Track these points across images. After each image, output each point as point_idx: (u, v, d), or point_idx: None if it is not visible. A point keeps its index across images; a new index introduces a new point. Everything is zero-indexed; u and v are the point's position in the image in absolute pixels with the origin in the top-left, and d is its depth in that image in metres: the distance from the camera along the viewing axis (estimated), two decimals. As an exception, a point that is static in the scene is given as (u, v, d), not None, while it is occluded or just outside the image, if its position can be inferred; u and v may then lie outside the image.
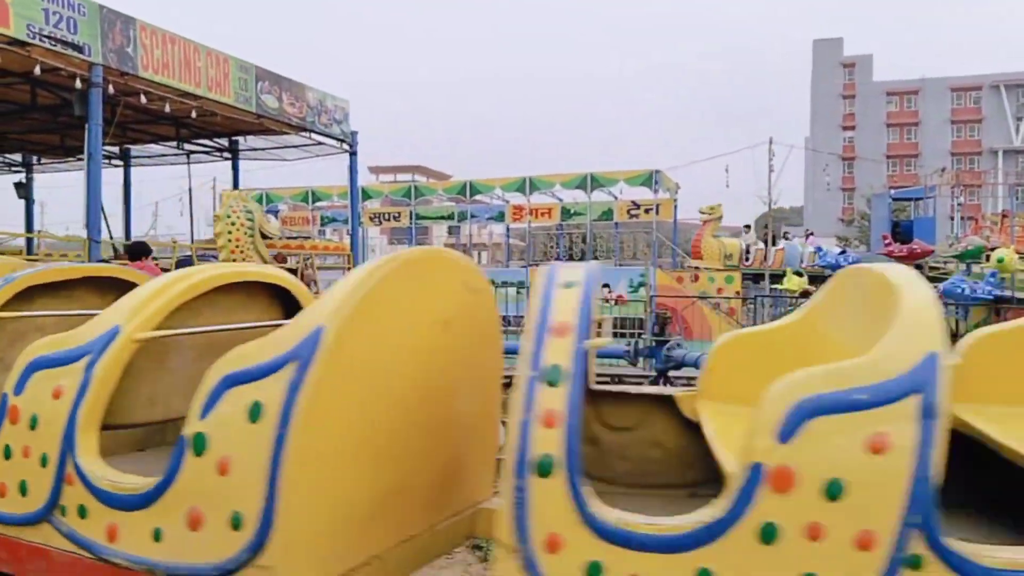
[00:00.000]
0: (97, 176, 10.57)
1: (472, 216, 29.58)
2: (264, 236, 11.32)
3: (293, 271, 14.69)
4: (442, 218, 30.99)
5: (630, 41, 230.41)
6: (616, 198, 27.81)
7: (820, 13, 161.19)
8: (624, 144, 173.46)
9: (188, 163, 17.77)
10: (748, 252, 25.33)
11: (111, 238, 16.68)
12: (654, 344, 8.34)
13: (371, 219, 29.65)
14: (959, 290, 17.08)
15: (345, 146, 15.60)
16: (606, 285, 21.60)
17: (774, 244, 27.34)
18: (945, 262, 23.19)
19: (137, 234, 33.88)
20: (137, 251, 8.30)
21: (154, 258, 16.06)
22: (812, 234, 27.58)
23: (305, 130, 14.39)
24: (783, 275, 19.61)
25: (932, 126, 75.94)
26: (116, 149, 17.38)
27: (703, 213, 26.43)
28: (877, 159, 73.29)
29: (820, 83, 79.67)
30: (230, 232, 10.98)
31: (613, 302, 20.78)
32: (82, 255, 10.88)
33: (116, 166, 18.07)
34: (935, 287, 15.90)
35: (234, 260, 10.72)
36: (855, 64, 78.89)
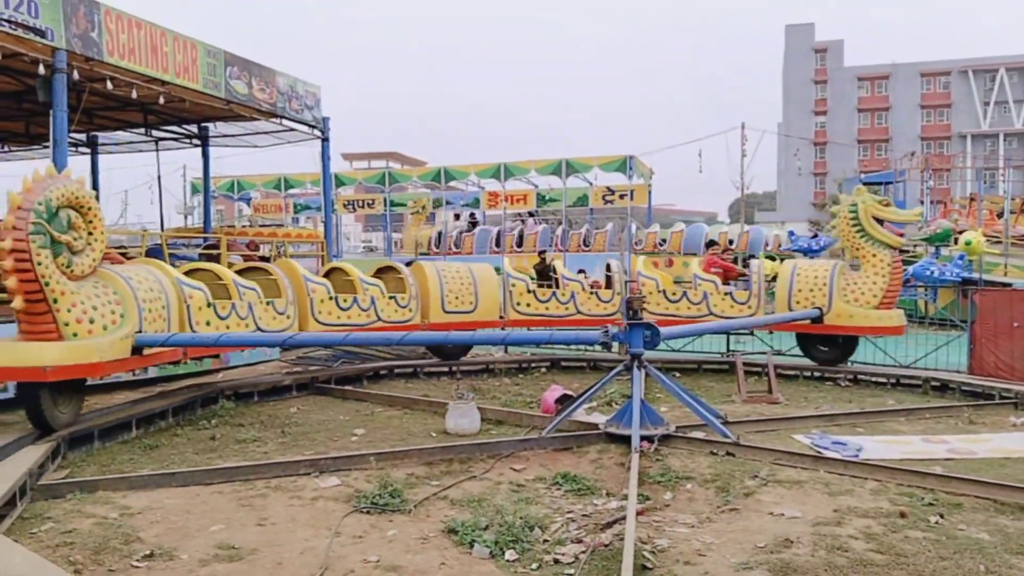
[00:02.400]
0: (63, 164, 10.32)
1: (447, 203, 29.43)
2: (879, 220, 11.34)
3: (266, 259, 14.54)
4: (416, 204, 30.78)
5: (604, 26, 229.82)
6: (591, 184, 27.82)
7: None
8: (599, 129, 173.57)
9: (157, 150, 17.43)
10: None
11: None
12: (629, 328, 8.36)
13: (344, 206, 29.40)
14: (928, 272, 17.35)
15: (317, 132, 15.40)
16: (582, 271, 21.65)
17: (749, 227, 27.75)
18: (915, 245, 23.50)
19: (106, 223, 33.32)
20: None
21: (122, 246, 15.81)
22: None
23: (275, 116, 14.17)
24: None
25: (902, 111, 76.68)
26: (83, 136, 17.03)
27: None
28: (848, 144, 73.94)
29: (792, 68, 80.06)
30: (842, 226, 11.46)
31: (590, 288, 20.84)
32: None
33: (83, 153, 17.70)
34: (905, 270, 16.15)
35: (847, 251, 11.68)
36: (826, 49, 79.33)
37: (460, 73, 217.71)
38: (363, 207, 29.87)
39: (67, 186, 7.42)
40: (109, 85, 11.11)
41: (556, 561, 4.68)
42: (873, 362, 11.95)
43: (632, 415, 7.22)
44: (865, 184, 29.34)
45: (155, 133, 16.67)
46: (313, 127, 15.20)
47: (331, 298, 10.75)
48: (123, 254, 13.39)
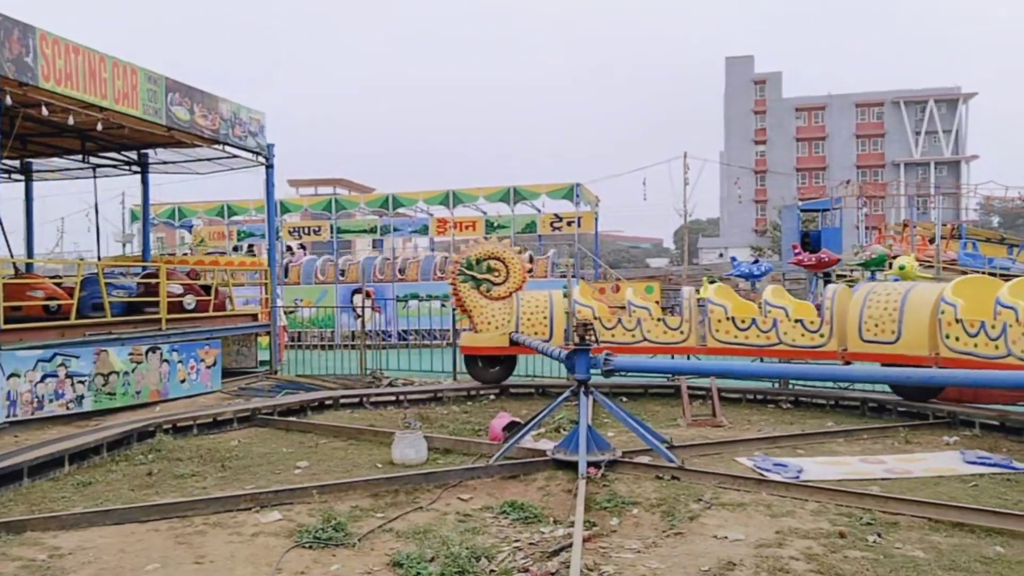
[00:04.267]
0: (-6, 191, 10.03)
1: (395, 229, 29.31)
2: None
3: (207, 288, 14.25)
4: (364, 231, 30.60)
5: (555, 57, 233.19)
6: (539, 211, 28.04)
7: (733, 31, 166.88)
8: (548, 156, 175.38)
9: (94, 177, 17.03)
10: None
11: (11, 255, 15.84)
12: (576, 354, 8.41)
13: (290, 233, 29.06)
14: (864, 296, 17.84)
15: (261, 159, 15.24)
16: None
17: (693, 256, 28.18)
18: (851, 270, 24.21)
19: (40, 251, 32.37)
20: None
21: (57, 276, 15.33)
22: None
23: (218, 143, 13.98)
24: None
25: (838, 140, 79.35)
26: (16, 163, 16.55)
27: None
28: (787, 172, 76.10)
29: (733, 99, 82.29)
30: None
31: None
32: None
33: (17, 180, 17.20)
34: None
35: None
36: (765, 81, 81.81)
37: (408, 99, 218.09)
38: (309, 234, 29.52)
39: (487, 246, 12.79)
40: (44, 111, 10.85)
41: (502, 591, 4.64)
42: (813, 385, 12.21)
43: (579, 441, 7.24)
44: (803, 211, 30.25)
45: (93, 160, 16.30)
46: (257, 153, 15.05)
47: (728, 318, 11.68)
48: (58, 284, 13.01)
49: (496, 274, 12.55)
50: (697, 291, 14.61)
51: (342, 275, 26.66)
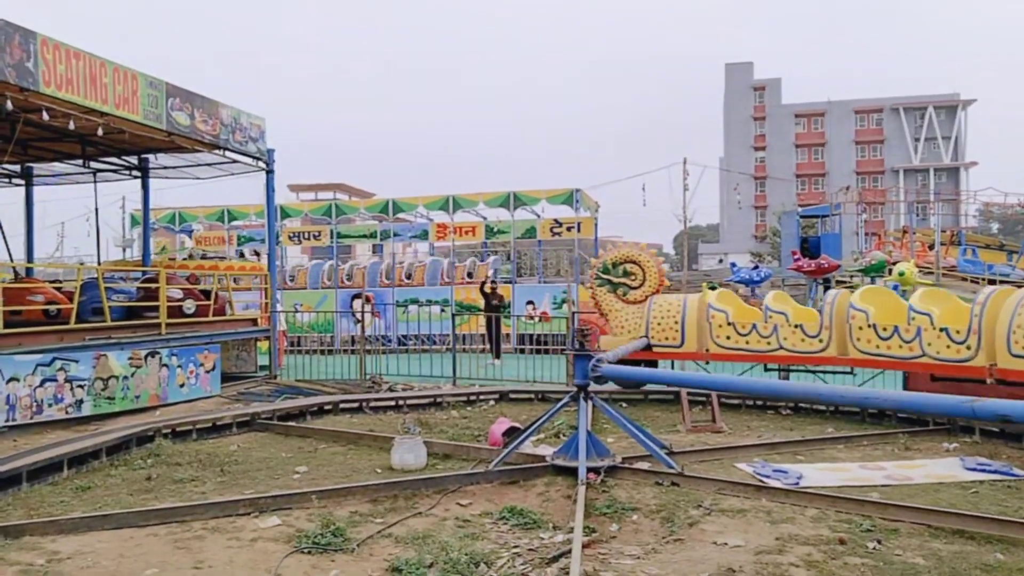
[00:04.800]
0: (-6, 195, 10.04)
1: (395, 234, 29.31)
2: None
3: (207, 293, 14.25)
4: (364, 236, 30.58)
5: (556, 62, 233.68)
6: (539, 216, 28.05)
7: (733, 32, 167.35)
8: (549, 158, 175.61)
9: (95, 182, 17.04)
10: None
11: (11, 260, 15.85)
12: (576, 359, 8.42)
13: (290, 238, 29.05)
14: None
15: (261, 164, 15.25)
16: (531, 302, 21.76)
17: (693, 262, 28.18)
18: (851, 276, 24.25)
19: (41, 256, 32.41)
20: None
21: (57, 280, 15.33)
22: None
23: (218, 147, 13.99)
24: None
25: (838, 146, 79.46)
26: (17, 167, 16.57)
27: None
28: (787, 178, 76.21)
29: (732, 105, 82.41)
30: None
31: (538, 319, 20.93)
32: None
33: (17, 185, 17.22)
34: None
35: None
36: (765, 87, 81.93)
37: (413, 109, 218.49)
38: (309, 239, 29.52)
39: (623, 251, 12.95)
40: (45, 116, 10.86)
41: (501, 597, 4.63)
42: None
43: (579, 447, 7.23)
44: (803, 217, 30.33)
45: (93, 164, 16.31)
46: (257, 159, 15.05)
47: (870, 326, 10.65)
48: (58, 288, 13.01)
49: (632, 278, 12.64)
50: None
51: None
